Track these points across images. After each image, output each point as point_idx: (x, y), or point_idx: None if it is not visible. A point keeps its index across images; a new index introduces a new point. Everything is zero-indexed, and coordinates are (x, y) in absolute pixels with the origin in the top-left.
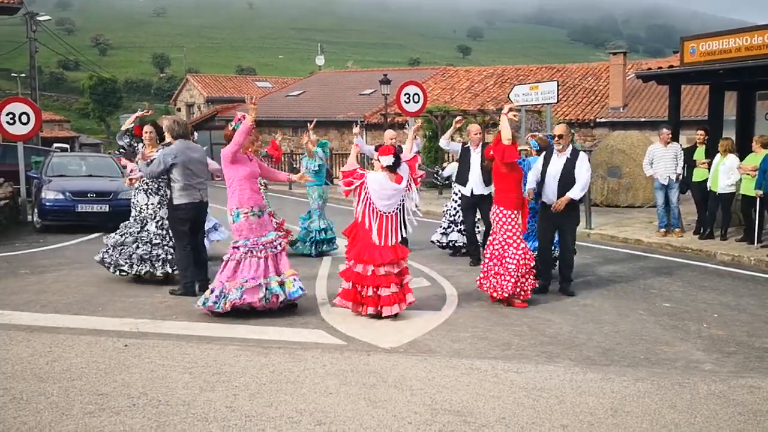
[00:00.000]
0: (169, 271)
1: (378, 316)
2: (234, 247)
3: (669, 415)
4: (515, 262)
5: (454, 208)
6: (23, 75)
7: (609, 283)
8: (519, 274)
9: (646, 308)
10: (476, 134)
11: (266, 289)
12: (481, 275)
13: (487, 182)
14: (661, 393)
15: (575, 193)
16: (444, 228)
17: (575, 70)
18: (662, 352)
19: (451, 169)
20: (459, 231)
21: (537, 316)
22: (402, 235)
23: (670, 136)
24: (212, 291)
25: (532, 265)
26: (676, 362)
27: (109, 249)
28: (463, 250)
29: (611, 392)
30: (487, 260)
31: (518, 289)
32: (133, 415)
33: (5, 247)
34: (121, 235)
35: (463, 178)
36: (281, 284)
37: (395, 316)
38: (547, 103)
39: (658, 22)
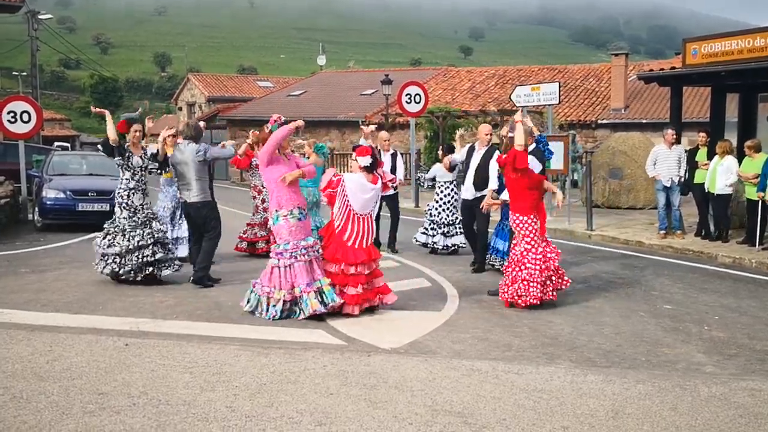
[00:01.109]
0: (152, 271)
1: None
2: (278, 253)
3: (670, 417)
4: (538, 267)
5: (436, 209)
6: (24, 73)
7: (610, 285)
8: (543, 279)
9: (647, 310)
10: (486, 134)
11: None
12: (506, 283)
13: (477, 187)
14: (662, 395)
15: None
16: (425, 227)
17: (577, 71)
18: (663, 354)
19: (435, 170)
20: (443, 234)
21: (537, 318)
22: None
23: (675, 137)
24: (267, 299)
25: (555, 266)
26: (677, 364)
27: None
28: (440, 250)
29: (612, 394)
30: (510, 267)
31: (543, 295)
32: (134, 414)
33: (6, 245)
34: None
35: (462, 178)
36: (319, 292)
37: (355, 316)
38: (549, 105)
39: (660, 23)
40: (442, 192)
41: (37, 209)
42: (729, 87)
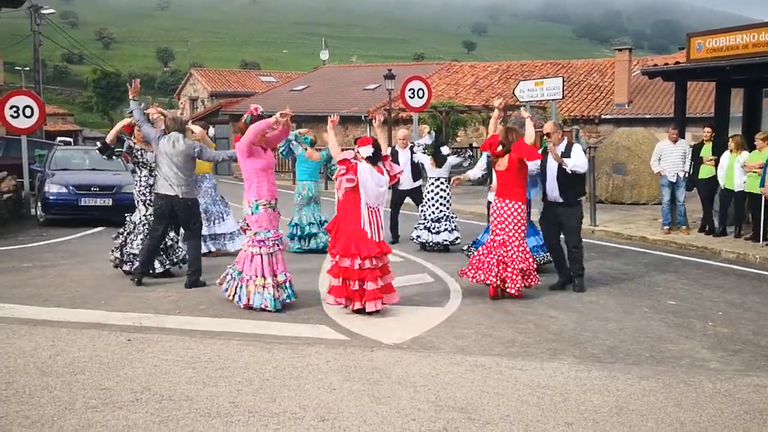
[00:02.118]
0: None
1: (361, 311)
2: (260, 240)
3: (674, 414)
4: (527, 257)
5: (425, 203)
6: (27, 68)
7: (614, 280)
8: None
9: (650, 306)
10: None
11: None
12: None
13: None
14: (667, 391)
15: (569, 163)
16: (423, 226)
17: (580, 66)
18: (667, 350)
19: (422, 159)
20: (428, 229)
21: (541, 313)
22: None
23: (677, 134)
24: (255, 286)
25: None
26: (681, 360)
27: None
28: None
29: (616, 390)
30: (513, 258)
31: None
32: (136, 409)
33: (8, 240)
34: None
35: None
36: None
37: (377, 312)
38: (552, 99)
39: (663, 19)
40: (427, 188)
41: (39, 204)
42: (733, 82)
